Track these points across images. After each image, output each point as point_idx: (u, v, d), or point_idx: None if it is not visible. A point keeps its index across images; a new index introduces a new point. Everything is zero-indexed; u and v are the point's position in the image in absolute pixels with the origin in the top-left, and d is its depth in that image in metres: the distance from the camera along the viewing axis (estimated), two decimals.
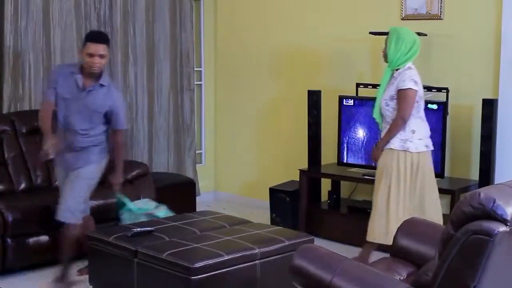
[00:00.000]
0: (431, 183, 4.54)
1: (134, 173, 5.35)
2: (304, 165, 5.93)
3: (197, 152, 6.88)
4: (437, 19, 5.50)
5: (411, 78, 4.42)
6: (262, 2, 6.67)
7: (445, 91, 5.25)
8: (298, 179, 5.81)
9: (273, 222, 5.89)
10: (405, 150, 4.42)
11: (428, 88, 5.39)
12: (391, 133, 4.44)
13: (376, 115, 4.60)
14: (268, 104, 6.68)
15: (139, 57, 6.23)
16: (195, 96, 6.78)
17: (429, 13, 5.55)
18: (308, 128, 5.92)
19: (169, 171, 6.49)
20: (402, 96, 4.40)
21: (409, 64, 4.51)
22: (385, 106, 4.50)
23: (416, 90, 4.41)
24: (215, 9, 6.98)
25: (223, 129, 7.04)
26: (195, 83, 6.78)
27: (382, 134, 4.57)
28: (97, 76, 4.40)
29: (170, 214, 4.79)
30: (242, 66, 6.84)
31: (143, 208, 4.80)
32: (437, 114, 5.12)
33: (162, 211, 4.81)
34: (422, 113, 4.52)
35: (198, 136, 6.96)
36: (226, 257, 3.70)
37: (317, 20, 6.26)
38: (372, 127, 5.48)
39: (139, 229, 4.11)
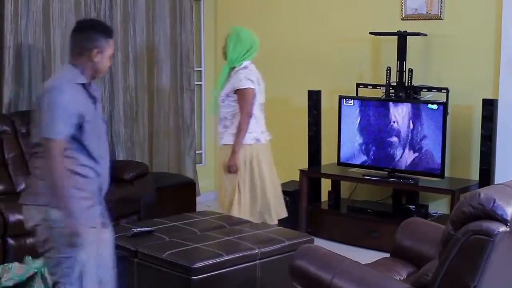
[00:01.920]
0: (268, 176, 4.80)
1: (134, 173, 5.35)
2: (304, 165, 5.93)
3: (197, 152, 6.88)
4: (437, 19, 5.50)
5: (247, 78, 4.64)
6: (262, 2, 6.66)
7: (445, 91, 5.26)
8: (298, 179, 5.81)
9: None
10: (246, 144, 4.70)
11: (428, 88, 5.40)
12: (243, 131, 4.65)
13: (212, 111, 4.83)
14: (268, 104, 6.65)
15: (139, 57, 6.23)
16: (195, 96, 6.78)
17: (429, 13, 5.55)
18: (308, 128, 5.92)
19: (169, 171, 6.48)
20: (241, 95, 4.64)
21: (245, 63, 4.74)
22: (221, 102, 4.72)
23: (253, 88, 4.66)
24: (215, 9, 6.98)
25: None
26: (195, 83, 6.78)
27: (218, 127, 4.82)
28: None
29: None
30: None
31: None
32: (437, 114, 5.12)
33: None
34: (254, 109, 4.73)
35: (198, 136, 6.96)
36: (226, 257, 3.70)
37: (317, 20, 6.26)
38: (372, 127, 5.49)
39: (139, 229, 4.10)
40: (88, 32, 3.07)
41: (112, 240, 3.22)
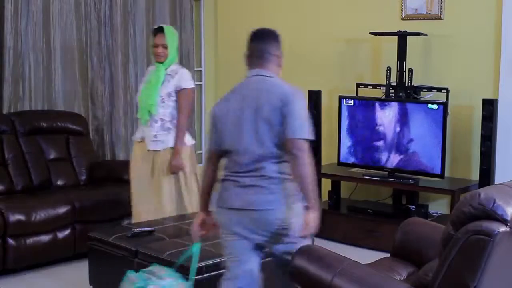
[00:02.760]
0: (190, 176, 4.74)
1: None
2: None
3: (197, 152, 6.87)
4: (437, 19, 5.50)
5: (190, 78, 4.65)
6: (262, 2, 6.66)
7: (445, 91, 5.26)
8: None
9: None
10: (186, 145, 4.66)
11: (428, 88, 5.40)
12: (183, 132, 4.60)
13: (144, 113, 4.60)
14: None
15: (139, 57, 6.23)
16: (195, 96, 6.77)
17: (429, 13, 5.55)
18: None
19: None
20: (186, 94, 4.59)
21: (177, 61, 4.72)
22: (161, 103, 4.57)
23: (195, 88, 4.75)
24: (215, 9, 6.98)
25: None
26: (195, 83, 6.78)
27: (149, 130, 4.61)
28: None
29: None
30: (242, 66, 6.79)
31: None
32: (437, 114, 5.12)
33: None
34: None
35: (198, 136, 6.96)
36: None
37: (317, 20, 6.26)
38: (372, 127, 5.49)
39: (139, 229, 4.10)
40: (276, 39, 3.38)
41: None
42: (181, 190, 4.67)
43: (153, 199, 4.62)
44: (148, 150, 4.62)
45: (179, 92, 4.58)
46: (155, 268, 3.35)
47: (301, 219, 3.01)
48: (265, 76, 3.26)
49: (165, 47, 4.58)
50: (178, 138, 4.57)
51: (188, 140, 4.70)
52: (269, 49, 3.32)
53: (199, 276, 3.57)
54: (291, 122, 2.98)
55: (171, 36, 4.62)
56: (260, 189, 3.01)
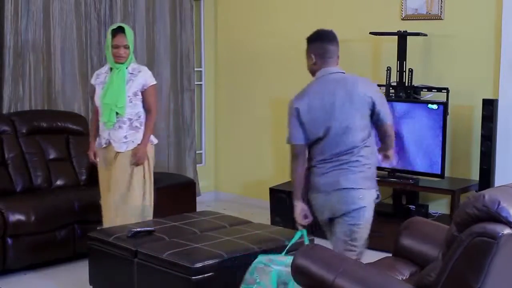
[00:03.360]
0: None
1: None
2: None
3: (197, 152, 6.88)
4: (437, 19, 5.50)
5: (151, 74, 4.59)
6: (262, 2, 6.66)
7: (445, 91, 5.26)
8: None
9: (273, 222, 5.89)
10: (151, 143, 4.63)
11: (428, 88, 5.40)
12: (151, 129, 4.56)
13: (112, 116, 4.45)
14: (268, 104, 6.67)
15: (139, 57, 6.22)
16: (195, 96, 6.78)
17: (429, 13, 5.55)
18: None
19: (169, 171, 6.48)
20: (152, 92, 4.54)
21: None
22: (129, 103, 4.46)
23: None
24: (215, 9, 6.98)
25: (223, 129, 7.04)
26: (195, 83, 6.78)
27: (119, 132, 4.49)
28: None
29: None
30: (242, 66, 6.84)
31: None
32: (437, 114, 5.12)
33: None
34: None
35: (198, 136, 6.96)
36: (226, 257, 3.70)
37: (317, 20, 6.25)
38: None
39: (139, 229, 4.10)
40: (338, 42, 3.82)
41: None
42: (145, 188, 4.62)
43: (129, 200, 4.54)
44: (117, 153, 4.50)
45: (146, 90, 4.50)
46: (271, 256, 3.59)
47: None
48: (343, 73, 3.74)
49: (126, 47, 4.45)
50: (147, 135, 4.50)
51: (153, 139, 4.64)
52: (337, 51, 3.80)
53: (199, 276, 3.57)
54: (383, 110, 3.55)
55: (131, 35, 4.51)
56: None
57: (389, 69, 5.49)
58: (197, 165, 6.85)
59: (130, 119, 4.48)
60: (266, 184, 6.22)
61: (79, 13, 5.79)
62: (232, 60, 6.91)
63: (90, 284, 4.27)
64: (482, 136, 5.05)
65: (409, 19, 5.64)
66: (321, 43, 3.79)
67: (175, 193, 5.71)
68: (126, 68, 4.49)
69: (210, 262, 3.63)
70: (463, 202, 2.51)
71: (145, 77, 4.51)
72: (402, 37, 5.43)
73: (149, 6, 6.29)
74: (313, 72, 4.00)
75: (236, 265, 3.73)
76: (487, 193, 2.45)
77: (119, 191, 4.51)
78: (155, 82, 4.57)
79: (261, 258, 3.52)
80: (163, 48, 6.41)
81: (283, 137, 6.52)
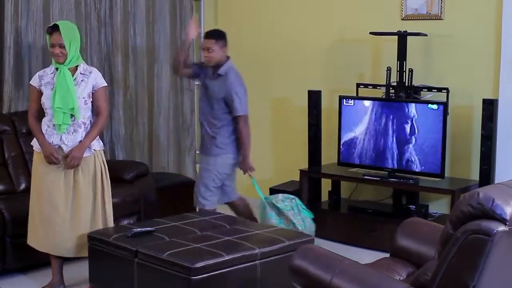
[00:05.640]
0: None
1: (134, 173, 5.35)
2: (305, 165, 5.93)
3: (197, 152, 6.87)
4: (437, 19, 5.51)
5: (101, 75, 4.39)
6: (262, 2, 6.67)
7: (445, 91, 5.26)
8: (298, 179, 5.81)
9: None
10: (102, 149, 4.39)
11: (428, 88, 5.41)
12: (98, 132, 4.30)
13: (66, 119, 4.18)
14: (268, 104, 6.68)
15: (139, 57, 6.23)
16: (195, 96, 6.78)
17: (429, 13, 5.55)
18: (308, 128, 5.92)
19: (169, 171, 6.49)
20: (103, 93, 4.31)
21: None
22: (83, 105, 4.22)
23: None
24: (215, 9, 6.98)
25: None
26: (195, 83, 6.78)
27: (74, 137, 4.21)
28: (218, 68, 4.94)
29: (311, 228, 5.03)
30: (242, 66, 6.79)
31: (268, 198, 5.16)
32: (437, 114, 5.12)
33: (287, 204, 5.08)
34: None
35: (198, 136, 6.95)
36: (226, 257, 3.70)
37: (317, 20, 6.26)
38: (372, 127, 5.49)
39: (139, 229, 4.10)
40: None
41: None
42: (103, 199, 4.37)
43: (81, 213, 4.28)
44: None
45: (96, 91, 4.26)
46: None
47: None
48: None
49: (62, 46, 4.15)
50: (91, 136, 4.21)
51: (98, 144, 4.35)
52: None
53: (199, 276, 3.58)
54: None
55: (67, 33, 4.17)
56: None
57: (389, 69, 5.49)
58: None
59: (84, 123, 4.24)
60: (266, 184, 6.22)
61: (79, 13, 5.79)
62: (232, 60, 6.89)
63: (90, 284, 4.27)
64: (482, 136, 5.05)
65: (409, 19, 5.64)
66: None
67: (175, 193, 5.72)
68: (69, 68, 4.20)
69: (210, 262, 3.63)
70: (458, 200, 2.52)
71: (97, 78, 4.28)
72: (402, 37, 5.43)
73: (149, 6, 6.29)
74: (222, 62, 4.92)
75: (236, 265, 3.74)
76: (482, 191, 2.45)
77: (83, 200, 4.27)
78: (105, 84, 4.34)
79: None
80: (163, 48, 6.42)
81: (283, 137, 6.55)
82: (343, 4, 6.07)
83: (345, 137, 5.63)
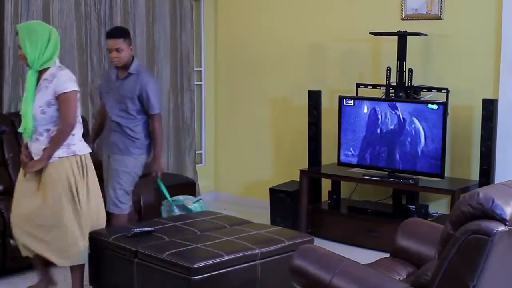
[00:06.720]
0: (96, 183, 4.23)
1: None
2: (304, 165, 5.93)
3: (197, 152, 6.88)
4: (437, 19, 5.51)
5: (71, 79, 4.03)
6: (262, 2, 6.67)
7: (445, 91, 5.26)
8: (298, 179, 5.81)
9: (273, 222, 5.90)
10: (74, 155, 4.06)
11: (428, 88, 5.41)
12: (60, 143, 3.99)
13: (28, 127, 3.99)
14: (268, 104, 6.68)
15: (139, 57, 6.22)
16: (195, 96, 6.78)
17: (429, 13, 5.55)
18: (308, 128, 5.92)
19: (169, 171, 6.48)
20: (65, 100, 3.96)
21: (57, 62, 4.10)
22: (41, 114, 3.97)
23: (77, 91, 4.05)
24: (215, 9, 6.98)
25: (223, 129, 7.04)
26: (195, 83, 6.79)
27: (38, 145, 4.04)
28: (127, 67, 4.64)
29: (205, 208, 4.98)
30: (242, 66, 6.84)
31: (178, 200, 4.99)
32: (437, 114, 5.12)
33: (196, 205, 4.98)
34: (79, 114, 4.14)
35: (198, 136, 6.96)
36: (226, 257, 3.70)
37: (317, 20, 6.26)
38: (372, 127, 5.49)
39: (139, 229, 4.10)
40: None
41: None
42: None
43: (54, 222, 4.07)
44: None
45: (58, 98, 3.96)
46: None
47: None
48: None
49: (21, 48, 4.00)
50: (49, 148, 3.98)
51: (82, 147, 4.11)
52: None
53: (199, 276, 3.58)
54: None
55: (23, 35, 3.97)
56: None
57: (389, 69, 5.49)
58: (197, 165, 6.85)
59: (47, 130, 4.01)
60: (266, 184, 6.23)
61: (79, 13, 5.79)
62: (232, 60, 6.91)
63: (90, 284, 4.27)
64: (482, 136, 5.05)
65: (409, 19, 5.64)
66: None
67: (175, 193, 5.70)
68: (36, 72, 4.01)
69: (210, 262, 3.63)
70: (458, 200, 2.52)
71: (58, 84, 3.97)
72: (402, 37, 5.44)
73: (149, 6, 6.29)
74: (130, 61, 4.63)
75: (236, 265, 3.74)
76: (482, 191, 2.46)
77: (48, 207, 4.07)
78: (69, 89, 3.96)
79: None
80: (163, 48, 6.42)
81: (283, 137, 6.56)
82: (343, 4, 6.07)
83: (345, 137, 5.63)
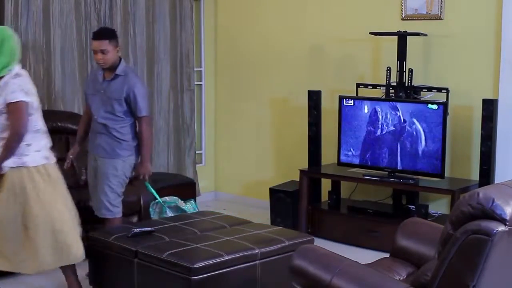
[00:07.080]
0: (63, 195, 4.12)
1: (134, 173, 5.34)
2: (304, 165, 5.93)
3: (197, 152, 6.88)
4: (437, 19, 5.50)
5: (20, 89, 3.84)
6: (262, 2, 6.67)
7: (445, 91, 5.26)
8: (298, 179, 5.81)
9: (273, 222, 5.90)
10: (24, 166, 3.90)
11: (428, 88, 5.41)
12: (9, 151, 3.85)
13: None
14: (268, 104, 6.68)
15: (139, 57, 6.23)
16: (195, 96, 6.78)
17: (429, 13, 5.55)
18: (308, 128, 5.92)
19: (169, 171, 6.49)
20: (13, 110, 3.82)
21: (17, 69, 3.91)
22: None
23: (27, 102, 3.86)
24: (215, 9, 6.98)
25: (223, 129, 7.04)
26: (195, 83, 6.78)
27: None
28: (114, 68, 4.53)
29: (197, 209, 4.97)
30: (242, 66, 6.84)
31: (169, 202, 4.92)
32: (437, 114, 5.12)
33: (188, 206, 4.95)
34: (40, 125, 3.99)
35: (198, 136, 6.96)
36: (226, 257, 3.70)
37: (317, 20, 6.26)
38: (372, 127, 5.49)
39: (139, 229, 4.11)
40: None
41: None
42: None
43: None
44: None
45: (8, 107, 3.83)
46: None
47: None
48: None
49: None
50: (1, 155, 3.84)
51: (39, 157, 3.96)
52: None
53: (199, 276, 3.58)
54: None
55: None
56: None
57: (389, 69, 5.49)
58: (197, 165, 6.85)
59: (3, 138, 3.88)
60: (266, 184, 6.22)
61: (79, 13, 5.79)
62: (232, 60, 6.91)
63: (90, 284, 4.28)
64: (482, 136, 5.05)
65: (409, 19, 5.64)
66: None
67: (175, 193, 5.69)
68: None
69: (210, 262, 3.64)
70: (458, 200, 2.52)
71: (7, 93, 3.82)
72: (402, 37, 5.44)
73: (149, 6, 6.29)
74: (117, 62, 4.52)
75: (236, 265, 3.74)
76: (482, 191, 2.46)
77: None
78: (16, 99, 3.81)
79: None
80: (163, 48, 6.42)
81: (283, 137, 6.55)
82: (343, 4, 6.06)
83: (345, 137, 5.63)
